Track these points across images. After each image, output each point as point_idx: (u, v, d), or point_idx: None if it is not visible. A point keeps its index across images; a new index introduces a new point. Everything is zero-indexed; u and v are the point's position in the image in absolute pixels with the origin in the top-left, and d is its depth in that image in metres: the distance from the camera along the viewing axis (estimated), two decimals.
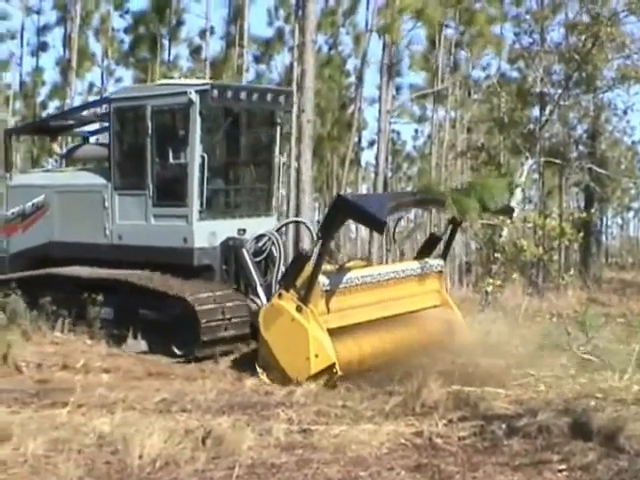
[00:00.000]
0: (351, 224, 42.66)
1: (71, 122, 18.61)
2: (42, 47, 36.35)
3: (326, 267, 13.76)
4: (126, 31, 35.82)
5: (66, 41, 31.82)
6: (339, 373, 11.89)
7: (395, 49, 21.97)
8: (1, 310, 15.10)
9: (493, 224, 17.22)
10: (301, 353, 12.04)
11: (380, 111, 19.39)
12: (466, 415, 9.33)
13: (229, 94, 15.08)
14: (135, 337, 14.29)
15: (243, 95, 15.30)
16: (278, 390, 11.06)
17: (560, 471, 7.57)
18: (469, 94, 35.70)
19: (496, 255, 16.99)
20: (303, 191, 17.44)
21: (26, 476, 7.25)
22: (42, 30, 36.11)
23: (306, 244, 17.25)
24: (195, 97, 14.55)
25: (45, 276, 15.83)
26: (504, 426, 8.82)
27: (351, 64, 39.75)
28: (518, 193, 18.24)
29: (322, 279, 12.49)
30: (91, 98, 36.42)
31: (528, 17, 28.16)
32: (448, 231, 15.49)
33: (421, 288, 14.45)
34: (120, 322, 14.54)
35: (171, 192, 15.26)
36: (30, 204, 17.31)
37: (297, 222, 18.53)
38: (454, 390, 10.37)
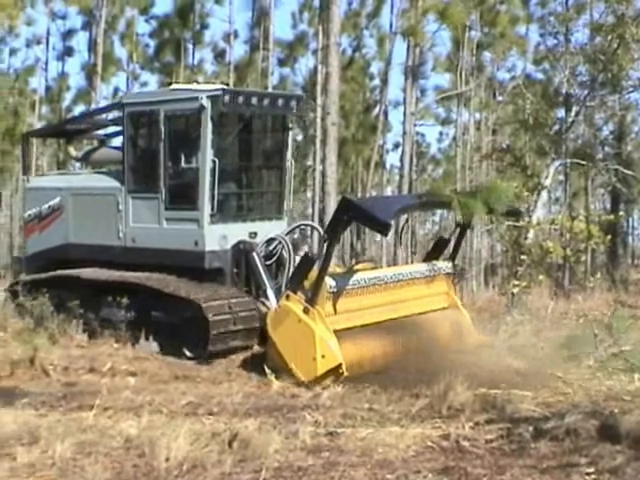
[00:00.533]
0: None
1: (86, 126, 18.77)
2: (67, 52, 36.52)
3: (335, 269, 14.19)
4: (151, 35, 36.03)
5: (91, 46, 31.97)
6: (345, 374, 11.98)
7: (419, 51, 21.91)
8: (28, 313, 15.21)
9: (519, 226, 17.16)
10: (308, 354, 12.20)
11: (405, 113, 19.35)
12: (493, 417, 9.30)
13: (240, 99, 15.21)
14: (147, 338, 14.41)
15: (254, 100, 15.45)
16: (304, 393, 11.07)
17: (588, 474, 7.51)
18: (494, 96, 35.60)
19: (522, 257, 16.91)
20: (328, 194, 17.42)
21: (54, 479, 7.28)
22: (67, 35, 36.30)
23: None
24: (207, 102, 14.71)
25: (60, 278, 15.98)
26: (531, 429, 8.79)
27: (375, 67, 39.75)
28: (544, 195, 18.15)
29: (328, 281, 12.65)
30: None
31: (552, 19, 28.06)
32: (456, 234, 15.55)
33: (429, 290, 14.58)
34: (134, 324, 14.66)
35: (183, 196, 15.43)
36: (46, 206, 17.52)
37: (307, 225, 18.57)
38: (480, 392, 10.33)
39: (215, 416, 9.49)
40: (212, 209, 14.90)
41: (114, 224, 15.99)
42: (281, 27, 60.83)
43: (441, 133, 51.32)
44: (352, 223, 13.88)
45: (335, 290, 12.76)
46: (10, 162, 38.64)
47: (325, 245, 12.72)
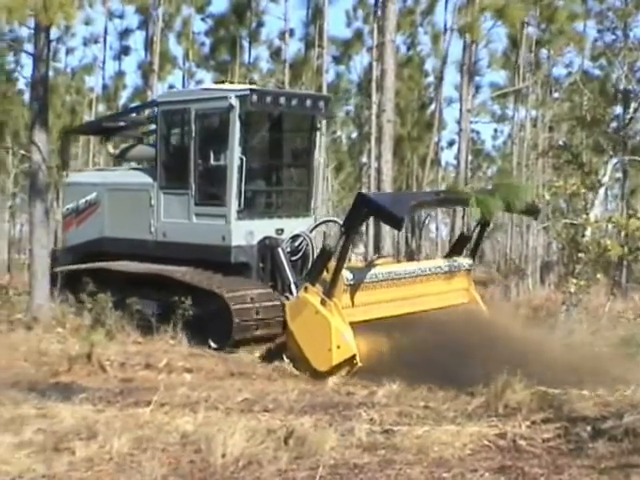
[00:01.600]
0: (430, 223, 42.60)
1: (124, 124, 19.25)
2: (124, 51, 36.80)
3: (356, 264, 14.79)
4: (207, 34, 36.15)
5: (148, 44, 32.17)
6: (359, 364, 12.33)
7: (475, 48, 21.80)
8: (87, 310, 15.40)
9: (576, 223, 16.98)
10: (324, 344, 12.53)
11: (461, 110, 19.24)
12: (550, 417, 9.21)
13: (268, 99, 15.65)
14: (175, 329, 14.73)
15: (282, 100, 15.92)
16: (359, 390, 11.06)
17: None
18: (550, 92, 35.28)
19: (579, 255, 16.74)
20: (384, 191, 17.38)
21: (112, 474, 7.33)
22: (124, 34, 36.58)
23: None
24: (235, 101, 15.23)
25: (91, 270, 16.56)
26: (589, 428, 8.68)
27: (429, 64, 39.60)
28: (601, 193, 17.93)
29: (346, 273, 12.97)
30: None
31: (611, 14, 27.76)
32: (477, 231, 15.77)
33: (449, 286, 14.78)
34: (161, 315, 15.13)
35: (211, 192, 16.04)
36: (83, 201, 18.19)
37: (330, 221, 18.85)
38: (537, 391, 10.23)
39: (270, 413, 9.51)
40: (239, 205, 15.42)
41: (146, 219, 16.58)
42: (336, 25, 60.72)
43: (496, 130, 51.06)
44: (369, 218, 14.33)
45: (352, 283, 13.06)
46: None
47: (342, 239, 13.07)
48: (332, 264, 13.01)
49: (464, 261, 15.27)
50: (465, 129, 19.55)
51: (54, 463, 7.33)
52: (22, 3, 14.63)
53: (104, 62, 36.48)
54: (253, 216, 15.84)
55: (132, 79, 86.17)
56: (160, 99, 17.62)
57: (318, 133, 17.41)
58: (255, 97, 15.37)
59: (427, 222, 39.87)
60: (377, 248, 17.44)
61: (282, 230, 15.83)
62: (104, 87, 36.99)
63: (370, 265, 14.71)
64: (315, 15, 32.95)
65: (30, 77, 17.95)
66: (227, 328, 14.28)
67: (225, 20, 33.83)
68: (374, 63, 30.41)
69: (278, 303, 14.51)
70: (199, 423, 8.70)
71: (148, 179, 16.83)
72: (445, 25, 30.99)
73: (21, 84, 39.73)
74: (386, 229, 17.30)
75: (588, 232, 17.03)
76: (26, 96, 39.41)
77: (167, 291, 15.23)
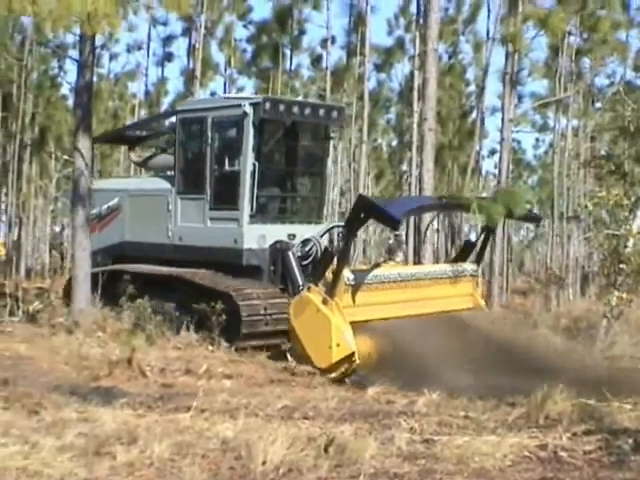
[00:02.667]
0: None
1: (147, 132, 19.97)
2: (167, 57, 37.03)
3: (362, 266, 15.36)
4: (249, 41, 36.27)
5: (191, 51, 32.35)
6: (357, 362, 12.95)
7: (518, 57, 21.71)
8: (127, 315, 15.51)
9: (618, 234, 16.85)
10: (324, 342, 13.16)
11: (503, 120, 19.16)
12: (591, 428, 9.12)
13: (281, 108, 16.28)
14: (188, 329, 15.16)
15: (295, 109, 16.55)
16: (399, 399, 11.03)
17: None
18: (592, 102, 35.05)
19: (621, 266, 16.62)
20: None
21: (152, 479, 7.36)
22: (167, 41, 36.80)
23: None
24: (249, 109, 15.89)
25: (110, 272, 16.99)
26: (630, 441, 8.60)
27: (471, 72, 39.50)
28: None
29: (347, 274, 13.58)
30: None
31: None
32: (482, 238, 16.32)
33: (454, 291, 15.27)
34: (176, 314, 15.59)
35: (225, 197, 16.53)
36: (106, 206, 18.83)
37: (340, 226, 19.07)
38: (578, 403, 10.16)
39: (310, 420, 9.50)
40: (251, 209, 16.05)
41: (164, 223, 17.22)
42: (377, 33, 60.96)
43: (537, 140, 50.85)
44: (368, 220, 14.66)
45: (353, 283, 13.61)
46: (109, 165, 39.37)
47: (343, 241, 13.92)
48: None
49: (469, 267, 15.75)
50: (507, 138, 19.45)
51: (95, 467, 7.37)
52: (67, 12, 14.74)
53: (147, 68, 36.87)
54: (265, 220, 16.46)
55: (174, 85, 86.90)
56: (179, 108, 18.41)
57: (331, 142, 18.00)
58: (268, 105, 15.98)
59: (467, 230, 39.72)
60: (418, 256, 17.42)
61: (294, 235, 16.28)
62: (146, 93, 37.25)
63: (374, 267, 15.29)
64: (357, 23, 32.96)
65: (74, 83, 18.16)
66: (237, 326, 14.67)
67: (267, 27, 33.93)
68: (416, 72, 30.39)
69: (285, 300, 14.91)
70: (239, 429, 8.69)
71: (166, 185, 17.42)
72: (487, 34, 30.85)
73: (64, 89, 40.16)
74: (427, 235, 17.28)
75: (630, 243, 16.91)
76: (69, 101, 39.88)
77: (180, 292, 15.83)
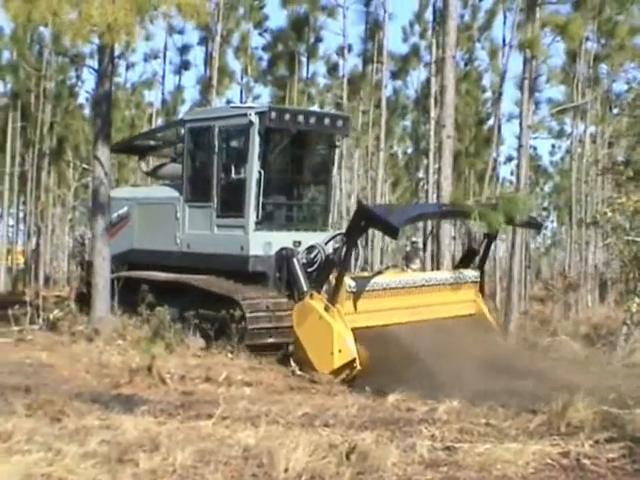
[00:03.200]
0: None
1: (155, 142, 20.50)
2: (184, 66, 37.09)
3: (363, 274, 15.64)
4: (265, 49, 36.33)
5: (207, 59, 32.43)
6: (358, 368, 13.15)
7: (536, 64, 21.67)
8: (146, 322, 15.56)
9: (638, 241, 16.82)
10: (326, 348, 13.36)
11: (521, 126, 19.12)
12: (613, 436, 9.05)
13: (287, 117, 16.68)
14: (195, 334, 15.54)
15: (301, 118, 16.90)
16: (420, 406, 10.99)
17: None
18: (610, 108, 34.96)
19: None
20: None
21: None
22: (184, 49, 36.88)
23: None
24: (255, 118, 16.21)
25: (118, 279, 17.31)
26: None
27: (486, 79, 39.44)
28: None
29: (348, 281, 13.78)
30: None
31: None
32: (483, 245, 16.43)
33: (456, 297, 15.39)
34: (183, 320, 15.71)
35: (232, 204, 16.90)
36: (116, 215, 18.97)
37: (342, 234, 19.35)
38: (599, 410, 10.11)
39: (331, 428, 9.49)
40: (257, 217, 16.40)
41: (172, 231, 17.55)
42: (391, 40, 60.85)
43: (554, 146, 50.70)
44: (368, 228, 15.08)
45: (355, 290, 13.78)
46: (126, 173, 39.48)
47: (344, 249, 13.94)
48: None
49: (471, 273, 15.85)
50: (525, 145, 19.40)
51: (119, 474, 7.39)
52: (86, 23, 14.82)
53: (164, 77, 36.89)
54: (271, 228, 16.81)
55: (191, 94, 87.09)
56: (186, 117, 18.64)
57: (337, 151, 18.37)
58: (274, 114, 16.36)
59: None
60: (438, 263, 17.42)
61: (299, 242, 16.58)
62: (163, 102, 37.33)
63: (375, 274, 15.41)
64: (373, 30, 32.97)
65: (93, 92, 18.32)
66: (242, 333, 15.01)
67: (283, 35, 33.98)
68: (432, 78, 30.40)
69: (284, 300, 15.42)
70: (260, 437, 8.70)
71: (175, 193, 17.75)
72: (503, 40, 30.86)
73: (81, 99, 40.34)
74: (445, 243, 17.30)
75: None
76: (86, 110, 40.05)
77: (187, 297, 16.25)
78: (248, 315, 15.13)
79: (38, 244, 36.84)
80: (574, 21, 20.75)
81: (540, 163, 52.09)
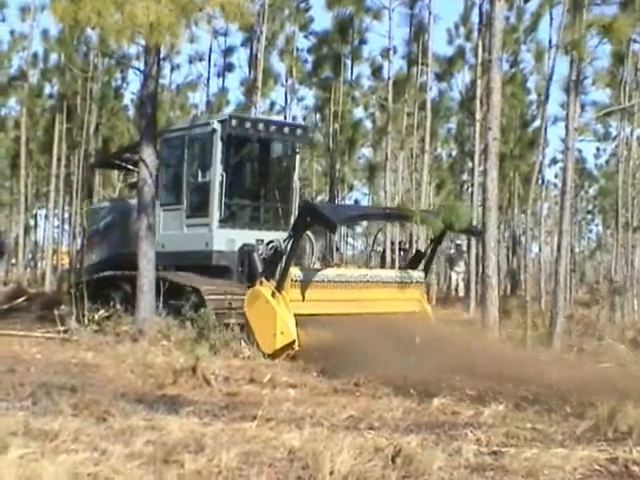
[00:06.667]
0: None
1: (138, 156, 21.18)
2: (228, 68, 37.17)
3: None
4: (309, 51, 36.36)
5: (252, 61, 32.48)
6: (297, 348, 14.87)
7: (581, 66, 21.48)
8: (191, 323, 15.69)
9: None
10: (270, 330, 15.03)
11: (567, 129, 18.90)
12: None
13: (247, 125, 18.61)
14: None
15: (261, 126, 18.84)
16: (465, 410, 10.92)
17: None
18: None
19: None
20: (489, 209, 17.22)
21: None
22: (228, 52, 36.95)
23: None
24: (217, 126, 18.20)
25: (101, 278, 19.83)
26: None
27: (531, 81, 39.17)
28: None
29: (294, 271, 15.41)
30: (273, 117, 37.13)
31: None
32: (429, 248, 18.25)
33: (401, 295, 16.85)
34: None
35: (199, 205, 18.89)
36: (102, 223, 21.79)
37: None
38: None
39: (376, 431, 9.44)
40: (221, 216, 18.34)
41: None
42: (436, 42, 60.68)
43: (598, 149, 50.30)
44: (312, 223, 16.25)
45: (299, 279, 15.38)
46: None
47: (290, 242, 15.48)
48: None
49: (417, 274, 17.35)
50: (572, 148, 19.21)
51: (164, 475, 7.37)
52: (130, 23, 14.90)
53: (208, 79, 36.98)
54: (234, 226, 18.67)
55: (235, 96, 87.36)
56: (162, 130, 20.35)
57: (297, 157, 20.03)
58: (234, 122, 18.28)
59: (525, 244, 39.40)
60: (483, 267, 17.33)
61: (262, 241, 17.90)
62: (208, 103, 37.45)
63: (324, 268, 16.96)
64: (417, 33, 32.85)
65: (138, 94, 18.59)
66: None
67: (328, 38, 33.96)
68: (478, 81, 30.24)
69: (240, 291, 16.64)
70: (305, 439, 8.65)
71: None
72: (550, 42, 30.59)
73: (126, 100, 40.59)
74: (491, 245, 17.19)
75: None
76: (131, 112, 40.30)
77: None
78: (206, 298, 16.65)
79: (83, 245, 37.07)
80: (620, 22, 20.46)
81: (585, 166, 51.67)
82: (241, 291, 16.66)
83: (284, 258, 15.60)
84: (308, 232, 16.84)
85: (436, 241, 17.99)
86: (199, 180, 18.80)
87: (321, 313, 15.21)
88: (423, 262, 17.91)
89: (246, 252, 17.71)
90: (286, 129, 19.41)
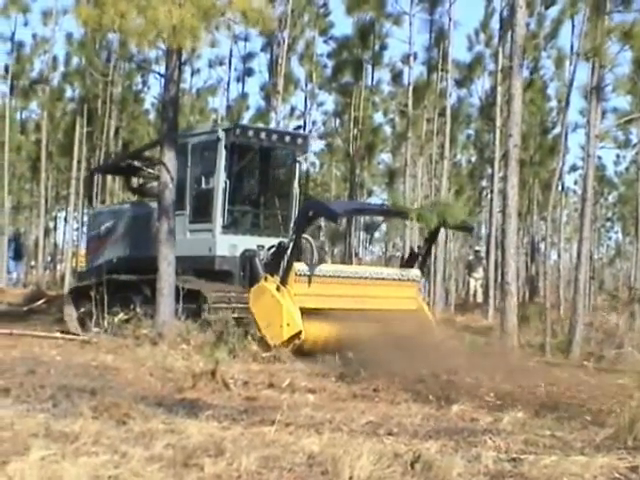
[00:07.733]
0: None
1: (141, 163, 22.15)
2: (248, 72, 37.28)
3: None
4: (329, 56, 36.41)
5: (272, 66, 32.56)
6: (302, 338, 15.44)
7: (603, 72, 21.43)
8: (209, 327, 15.74)
9: None
10: (277, 322, 15.58)
11: (588, 136, 18.88)
12: None
13: (250, 133, 19.09)
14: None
15: (263, 135, 19.42)
16: (484, 417, 10.91)
17: None
18: None
19: None
20: (509, 215, 17.24)
21: None
22: (248, 56, 37.06)
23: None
24: (222, 134, 18.67)
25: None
26: None
27: (552, 88, 39.09)
28: None
29: (298, 266, 16.00)
30: (293, 122, 37.21)
31: None
32: (425, 247, 18.63)
33: (399, 292, 17.37)
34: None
35: (202, 211, 19.26)
36: (104, 228, 21.88)
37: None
38: None
39: (395, 436, 9.42)
40: (224, 221, 18.80)
41: (153, 239, 18.66)
42: (456, 48, 60.59)
43: (618, 156, 50.16)
44: (315, 218, 17.58)
45: (303, 274, 15.99)
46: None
47: (293, 238, 16.13)
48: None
49: (413, 273, 17.81)
50: (592, 155, 19.18)
51: (184, 478, 7.39)
52: (152, 26, 14.97)
53: (228, 83, 37.08)
54: (237, 232, 19.10)
55: (255, 100, 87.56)
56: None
57: (297, 165, 20.42)
58: (238, 131, 18.85)
59: (544, 250, 39.35)
60: (502, 274, 17.34)
61: (263, 246, 18.10)
62: (228, 108, 37.54)
63: (326, 264, 17.74)
64: (438, 39, 32.84)
65: (159, 97, 18.72)
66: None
67: (348, 43, 34.02)
68: (499, 87, 30.21)
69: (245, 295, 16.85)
70: (324, 444, 8.65)
71: (155, 205, 18.99)
72: (571, 48, 30.55)
73: (147, 104, 40.74)
74: (510, 252, 17.18)
75: None
76: (151, 116, 40.44)
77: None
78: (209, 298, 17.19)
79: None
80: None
81: (605, 173, 51.53)
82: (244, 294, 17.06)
83: (288, 252, 16.09)
84: (307, 235, 17.15)
85: (431, 239, 18.53)
86: (203, 186, 19.30)
87: (323, 307, 15.77)
88: (418, 261, 18.28)
89: (248, 257, 18.02)
90: (287, 138, 19.92)
